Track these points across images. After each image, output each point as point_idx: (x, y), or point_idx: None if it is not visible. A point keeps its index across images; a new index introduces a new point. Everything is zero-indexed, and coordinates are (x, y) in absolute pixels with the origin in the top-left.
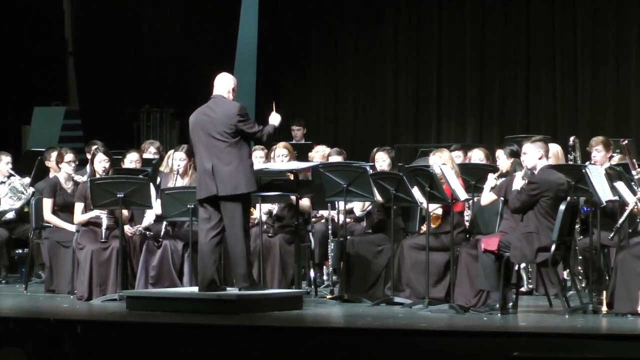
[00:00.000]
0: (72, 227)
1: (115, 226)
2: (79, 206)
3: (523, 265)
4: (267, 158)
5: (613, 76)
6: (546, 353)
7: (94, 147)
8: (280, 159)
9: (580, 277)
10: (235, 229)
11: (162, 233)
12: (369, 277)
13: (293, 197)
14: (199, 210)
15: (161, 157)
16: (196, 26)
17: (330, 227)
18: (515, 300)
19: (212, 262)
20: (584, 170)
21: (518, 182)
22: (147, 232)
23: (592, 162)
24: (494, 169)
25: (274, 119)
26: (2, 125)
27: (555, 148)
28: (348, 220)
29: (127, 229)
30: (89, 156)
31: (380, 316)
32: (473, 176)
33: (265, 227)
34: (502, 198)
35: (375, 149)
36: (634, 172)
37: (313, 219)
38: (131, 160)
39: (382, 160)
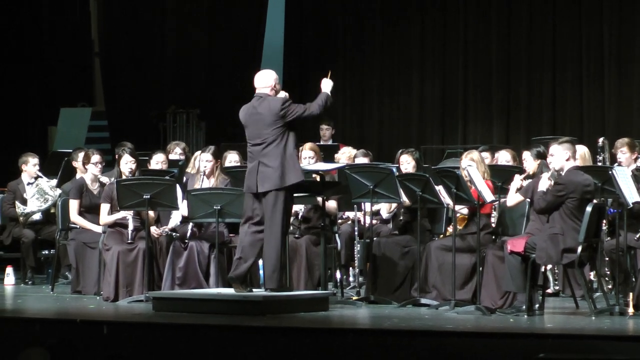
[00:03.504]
0: (98, 229)
1: (142, 227)
2: (104, 207)
3: (549, 266)
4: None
5: None
6: (572, 355)
7: (120, 149)
8: (307, 161)
9: (606, 279)
10: (271, 228)
11: (188, 234)
12: (395, 278)
13: (319, 199)
14: (245, 206)
15: (187, 158)
16: (222, 26)
17: (356, 228)
18: (541, 301)
19: (250, 256)
20: (610, 172)
21: (544, 183)
22: (174, 234)
23: (618, 163)
24: (520, 170)
25: (325, 85)
26: (29, 127)
27: (582, 150)
28: (374, 221)
29: (154, 230)
30: None
31: (406, 318)
32: (499, 177)
33: (291, 228)
34: (528, 199)
35: (399, 151)
36: None
37: (339, 221)
38: (157, 161)
39: (406, 163)
